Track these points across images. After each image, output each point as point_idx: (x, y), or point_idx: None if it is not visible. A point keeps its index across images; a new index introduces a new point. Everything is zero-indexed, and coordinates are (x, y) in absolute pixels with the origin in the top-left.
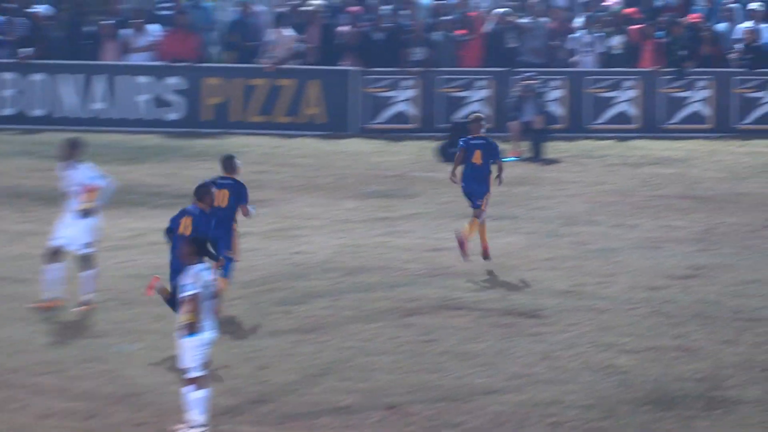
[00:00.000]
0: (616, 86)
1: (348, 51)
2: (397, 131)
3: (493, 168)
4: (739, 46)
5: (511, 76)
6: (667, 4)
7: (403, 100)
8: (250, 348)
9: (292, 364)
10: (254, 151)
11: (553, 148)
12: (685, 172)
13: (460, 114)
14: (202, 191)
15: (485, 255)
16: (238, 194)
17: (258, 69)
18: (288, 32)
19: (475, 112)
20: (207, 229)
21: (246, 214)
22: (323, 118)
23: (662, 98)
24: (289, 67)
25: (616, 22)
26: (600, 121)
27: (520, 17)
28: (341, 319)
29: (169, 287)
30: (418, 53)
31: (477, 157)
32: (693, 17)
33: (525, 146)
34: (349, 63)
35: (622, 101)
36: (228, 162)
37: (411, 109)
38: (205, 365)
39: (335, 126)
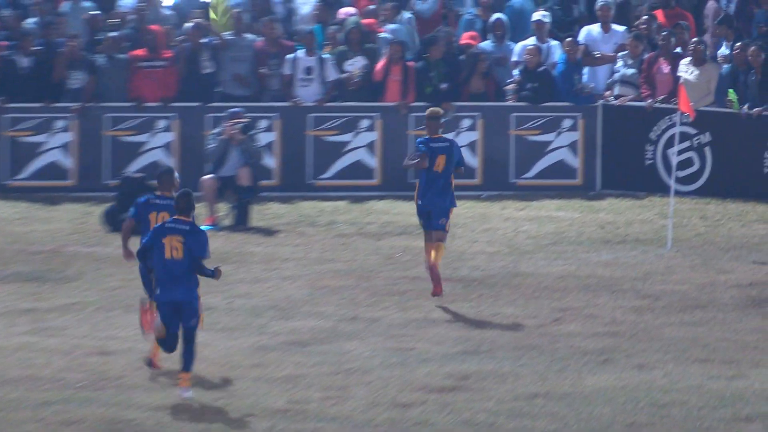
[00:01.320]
0: (349, 127)
1: None
2: (48, 190)
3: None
4: (517, 71)
5: (206, 114)
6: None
7: (56, 148)
8: None
9: None
10: None
11: (263, 213)
12: (446, 246)
13: (135, 166)
14: (167, 176)
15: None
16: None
17: None
18: None
19: (431, 107)
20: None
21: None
22: None
23: (413, 142)
24: None
25: (355, 40)
26: (328, 174)
27: (220, 32)
28: None
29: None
30: (76, 82)
31: (440, 164)
32: (468, 37)
33: (224, 210)
34: None
35: (358, 147)
36: (167, 177)
37: (67, 160)
38: None
39: None
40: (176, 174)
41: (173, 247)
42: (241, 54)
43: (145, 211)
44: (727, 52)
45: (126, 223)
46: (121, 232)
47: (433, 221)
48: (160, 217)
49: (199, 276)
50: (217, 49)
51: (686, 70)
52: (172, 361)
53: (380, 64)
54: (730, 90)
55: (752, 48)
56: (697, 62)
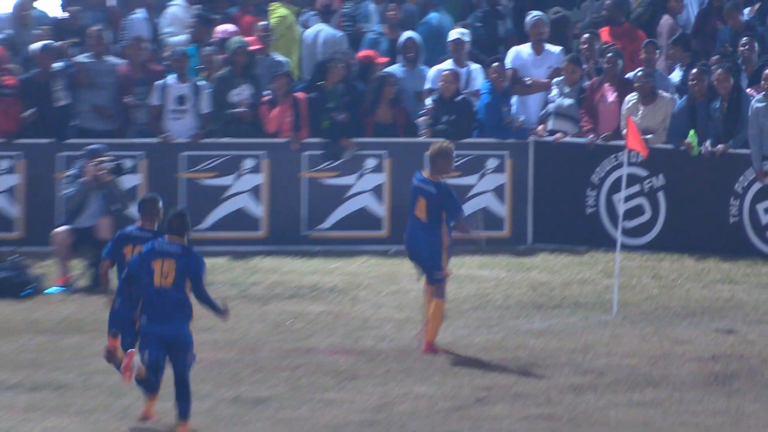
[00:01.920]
0: (229, 168)
1: None
2: None
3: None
4: (430, 100)
5: (58, 152)
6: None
7: None
8: None
9: None
10: None
11: None
12: (347, 312)
13: None
14: (149, 205)
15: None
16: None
17: None
18: None
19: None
20: None
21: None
22: None
23: (307, 187)
24: None
25: (240, 64)
26: (205, 225)
27: (76, 54)
28: None
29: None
30: None
31: (421, 209)
32: (366, 55)
33: (80, 269)
34: None
35: (241, 192)
36: (150, 206)
37: None
38: None
39: None
40: (161, 203)
41: (164, 273)
42: (101, 80)
43: (119, 245)
44: (680, 77)
45: (102, 264)
46: (100, 275)
47: (428, 272)
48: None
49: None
50: (72, 75)
51: (633, 110)
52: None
53: (266, 97)
54: (691, 131)
55: (719, 71)
56: (646, 100)
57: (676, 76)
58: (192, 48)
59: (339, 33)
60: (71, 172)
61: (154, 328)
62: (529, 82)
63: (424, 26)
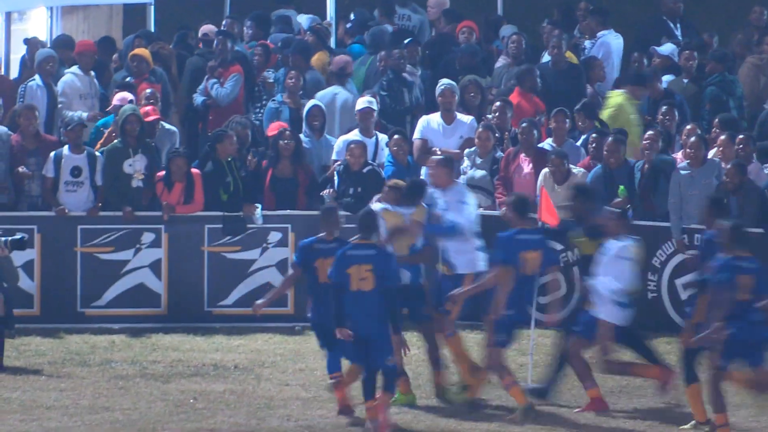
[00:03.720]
0: (128, 242)
1: None
2: None
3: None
4: (335, 173)
5: None
6: None
7: None
8: None
9: None
10: None
11: (21, 349)
12: (252, 390)
13: None
14: (329, 214)
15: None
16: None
17: None
18: None
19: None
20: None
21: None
22: None
23: (207, 261)
24: None
25: (132, 134)
26: (102, 301)
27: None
28: None
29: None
30: None
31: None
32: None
33: None
34: None
35: (140, 267)
36: (329, 215)
37: None
38: None
39: None
40: (340, 212)
41: (361, 278)
42: None
43: (310, 258)
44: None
45: (294, 271)
46: (282, 283)
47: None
48: (327, 264)
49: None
50: None
51: (548, 185)
52: None
53: (160, 173)
54: (621, 187)
55: (649, 132)
56: (559, 179)
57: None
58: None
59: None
60: None
61: (355, 331)
62: (439, 153)
63: (328, 95)
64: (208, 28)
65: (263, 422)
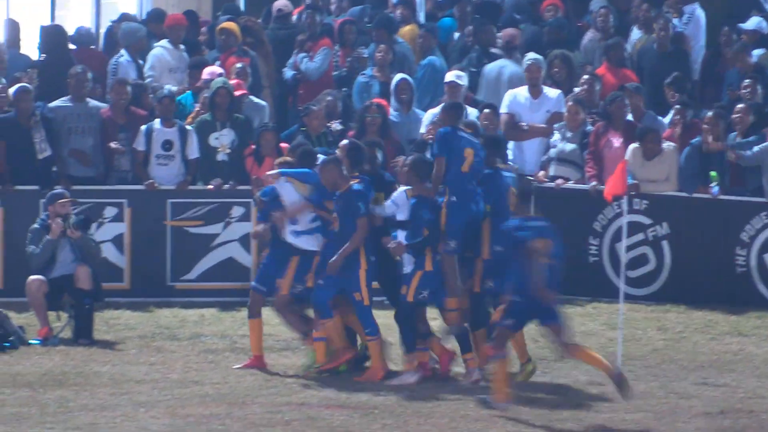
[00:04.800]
0: (216, 216)
1: None
2: None
3: None
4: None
5: (42, 200)
6: None
7: None
8: None
9: None
10: None
11: (111, 324)
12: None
13: None
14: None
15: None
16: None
17: None
18: None
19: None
20: None
21: None
22: None
23: None
24: None
25: (222, 107)
26: (192, 275)
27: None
28: None
29: None
30: None
31: None
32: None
33: (63, 321)
34: None
35: (229, 241)
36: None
37: None
38: None
39: None
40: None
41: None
42: (82, 125)
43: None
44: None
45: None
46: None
47: None
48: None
49: None
50: (51, 120)
51: (637, 161)
52: None
53: (250, 149)
54: (713, 173)
55: (740, 106)
56: (648, 154)
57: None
58: (188, 94)
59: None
60: (35, 226)
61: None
62: (525, 127)
63: (426, 66)
64: (282, 3)
65: (352, 397)
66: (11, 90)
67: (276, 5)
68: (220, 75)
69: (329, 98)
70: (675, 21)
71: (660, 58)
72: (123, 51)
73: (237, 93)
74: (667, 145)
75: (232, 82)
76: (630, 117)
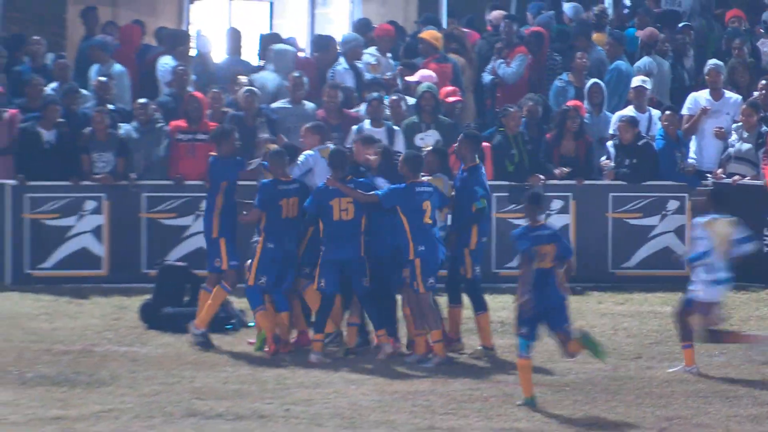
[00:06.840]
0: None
1: None
2: (76, 280)
3: None
4: (612, 144)
5: None
6: None
7: (85, 232)
8: None
9: None
10: None
11: None
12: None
13: (177, 253)
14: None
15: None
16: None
17: None
18: None
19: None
20: None
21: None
22: None
23: (611, 227)
24: None
25: (427, 109)
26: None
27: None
28: None
29: None
30: (104, 165)
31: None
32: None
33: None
34: None
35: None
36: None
37: (98, 246)
38: None
39: None
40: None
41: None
42: (298, 125)
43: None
44: None
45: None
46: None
47: None
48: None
49: None
50: (274, 121)
51: None
52: None
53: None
54: None
55: None
56: None
57: None
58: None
59: (666, 63)
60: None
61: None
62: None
63: (613, 71)
64: (497, 13)
65: (545, 376)
66: (240, 92)
67: (492, 15)
68: (428, 78)
69: (530, 103)
70: None
71: None
72: (341, 59)
73: (450, 100)
74: None
75: (449, 88)
76: None
